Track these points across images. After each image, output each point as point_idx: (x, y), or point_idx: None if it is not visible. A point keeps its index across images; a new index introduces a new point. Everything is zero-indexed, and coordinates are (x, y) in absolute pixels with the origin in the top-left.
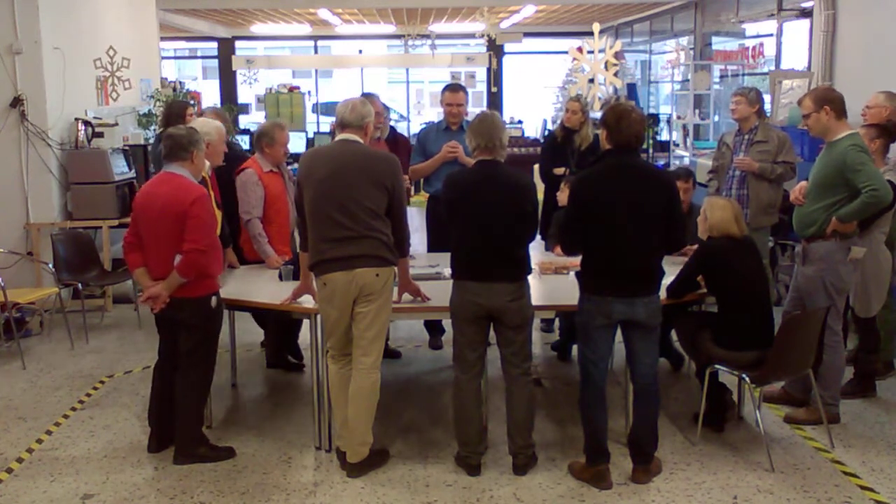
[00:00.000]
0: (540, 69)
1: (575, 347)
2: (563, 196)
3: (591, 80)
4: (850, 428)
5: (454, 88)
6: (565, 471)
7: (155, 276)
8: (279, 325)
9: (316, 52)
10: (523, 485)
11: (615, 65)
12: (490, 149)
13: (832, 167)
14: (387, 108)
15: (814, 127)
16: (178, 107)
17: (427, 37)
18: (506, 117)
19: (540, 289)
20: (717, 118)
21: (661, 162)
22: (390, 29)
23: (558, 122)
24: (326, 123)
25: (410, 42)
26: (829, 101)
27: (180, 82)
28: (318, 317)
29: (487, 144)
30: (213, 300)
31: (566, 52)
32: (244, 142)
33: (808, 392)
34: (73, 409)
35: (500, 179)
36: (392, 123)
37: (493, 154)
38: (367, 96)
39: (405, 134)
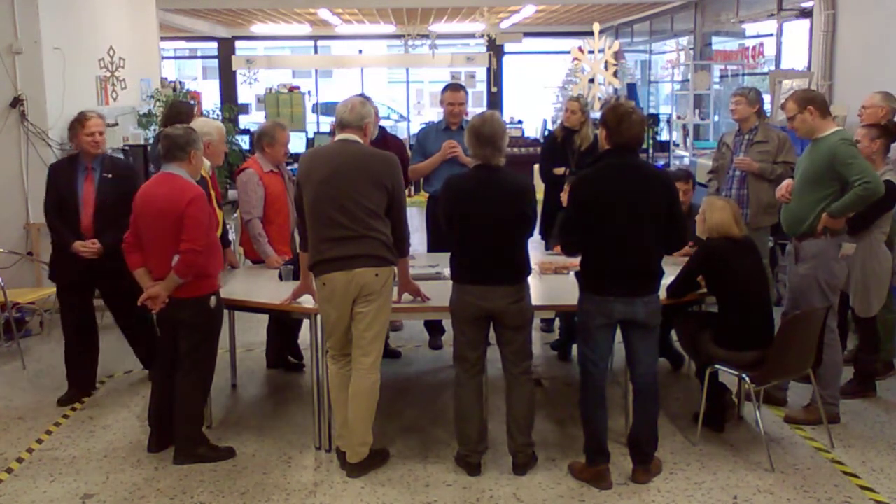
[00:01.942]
0: (540, 69)
1: (575, 347)
2: (567, 196)
3: (592, 80)
4: (850, 428)
5: (455, 88)
6: (565, 471)
7: (155, 277)
8: (279, 325)
9: (316, 52)
10: (523, 485)
11: (614, 65)
12: (489, 155)
13: (820, 162)
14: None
15: (800, 128)
16: (185, 108)
17: (427, 37)
18: (506, 117)
19: (540, 289)
20: (717, 118)
21: (661, 162)
22: (390, 29)
23: (558, 122)
24: (326, 123)
25: (410, 42)
26: (811, 100)
27: (180, 82)
28: (318, 317)
29: (489, 152)
30: (213, 300)
31: (567, 52)
32: (244, 142)
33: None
34: (74, 409)
35: (499, 183)
36: (391, 123)
37: (492, 160)
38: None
39: (404, 134)
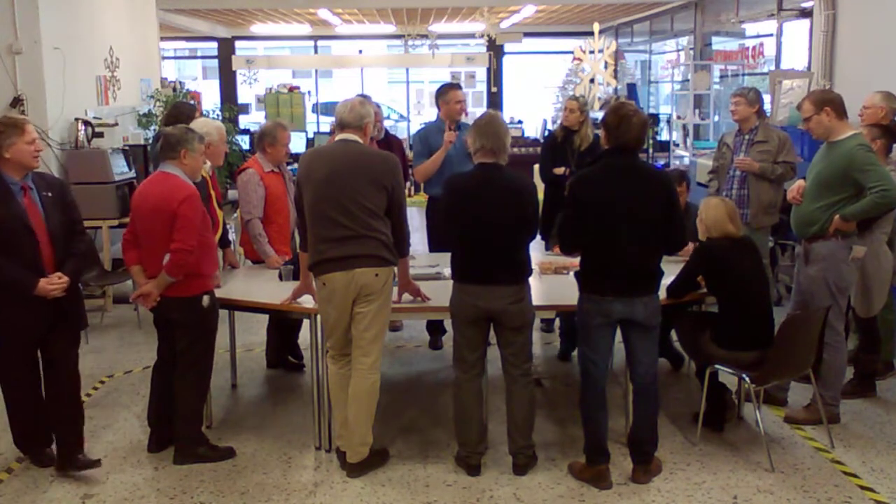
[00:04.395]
0: (540, 69)
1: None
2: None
3: (592, 80)
4: (850, 428)
5: (457, 87)
6: (565, 471)
7: (150, 274)
8: (279, 325)
9: (316, 52)
10: (523, 485)
11: (612, 65)
12: (495, 151)
13: (836, 167)
14: (377, 106)
15: (816, 129)
16: (186, 109)
17: (427, 37)
18: (506, 117)
19: (540, 289)
20: (717, 118)
21: (661, 162)
22: (390, 29)
23: (558, 122)
24: (326, 123)
25: (410, 42)
26: (829, 101)
27: (180, 82)
28: (318, 317)
29: (493, 147)
30: (206, 299)
31: (569, 52)
32: (244, 142)
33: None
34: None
35: (501, 182)
36: (392, 124)
37: (497, 157)
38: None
39: (404, 134)
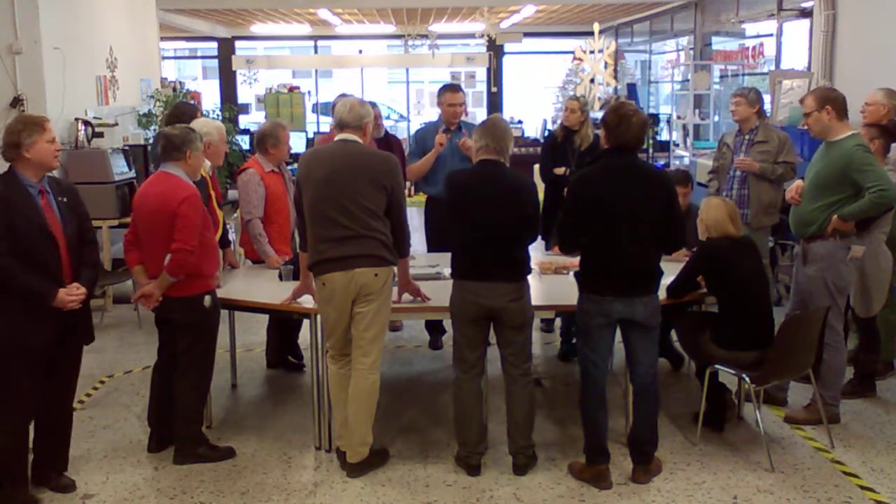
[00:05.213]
0: (540, 69)
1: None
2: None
3: (592, 80)
4: (850, 428)
5: (455, 88)
6: (565, 471)
7: (151, 275)
8: (279, 325)
9: (316, 52)
10: (523, 485)
11: (612, 64)
12: (498, 151)
13: (834, 167)
14: (373, 105)
15: (814, 126)
16: (188, 109)
17: (427, 37)
18: (506, 117)
19: (540, 289)
20: (717, 118)
21: (661, 162)
22: (390, 29)
23: (558, 122)
24: (326, 123)
25: (410, 42)
26: (831, 100)
27: (180, 82)
28: (318, 317)
29: (497, 147)
30: (207, 299)
31: (569, 52)
32: (244, 142)
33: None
34: (73, 409)
35: (501, 180)
36: (392, 124)
37: (500, 156)
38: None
39: (404, 134)
